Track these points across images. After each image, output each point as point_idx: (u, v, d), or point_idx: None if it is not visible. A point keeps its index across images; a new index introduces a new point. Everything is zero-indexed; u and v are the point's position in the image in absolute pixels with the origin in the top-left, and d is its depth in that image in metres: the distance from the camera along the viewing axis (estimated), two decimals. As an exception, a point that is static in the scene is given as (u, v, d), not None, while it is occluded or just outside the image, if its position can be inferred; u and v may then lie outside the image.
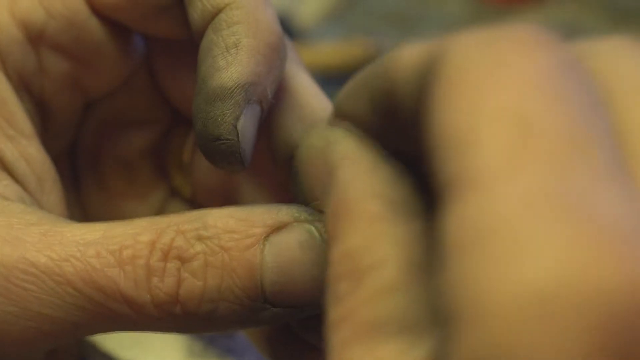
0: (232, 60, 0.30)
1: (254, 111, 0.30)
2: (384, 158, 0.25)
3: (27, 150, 0.32)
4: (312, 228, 0.29)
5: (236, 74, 0.29)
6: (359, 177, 0.24)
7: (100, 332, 0.30)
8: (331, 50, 0.70)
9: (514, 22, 0.21)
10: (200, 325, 0.29)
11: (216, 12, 0.31)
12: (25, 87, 0.33)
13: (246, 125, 0.30)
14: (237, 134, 0.29)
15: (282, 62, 0.31)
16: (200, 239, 0.29)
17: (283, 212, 0.29)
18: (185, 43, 0.34)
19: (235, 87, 0.29)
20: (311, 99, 0.33)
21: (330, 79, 0.64)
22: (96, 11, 0.33)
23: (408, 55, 0.22)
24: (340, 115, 0.27)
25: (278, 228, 0.29)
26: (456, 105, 0.19)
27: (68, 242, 0.29)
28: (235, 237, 0.28)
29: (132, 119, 0.37)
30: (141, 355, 0.41)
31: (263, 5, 0.31)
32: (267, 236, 0.28)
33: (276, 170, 0.33)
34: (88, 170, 0.38)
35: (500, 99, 0.18)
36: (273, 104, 0.32)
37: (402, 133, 0.24)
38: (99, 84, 0.35)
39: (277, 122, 0.32)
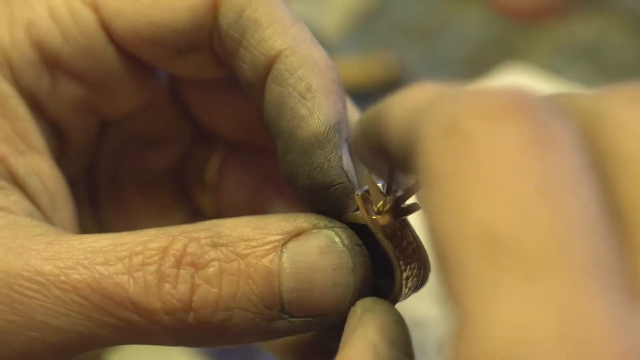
0: (312, 106, 0.29)
1: (346, 149, 0.29)
2: None
3: (40, 166, 0.32)
4: (332, 233, 0.28)
5: (323, 117, 0.29)
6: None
7: (108, 345, 0.29)
8: (353, 64, 0.69)
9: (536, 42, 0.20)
10: (213, 336, 0.28)
11: (269, 60, 0.30)
12: (38, 108, 0.33)
13: (349, 163, 0.29)
14: (347, 174, 0.29)
15: (344, 95, 0.31)
16: (214, 246, 0.28)
17: (301, 219, 0.29)
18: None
19: (328, 130, 0.29)
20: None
21: (352, 93, 0.63)
22: (114, 42, 0.33)
23: (396, 113, 0.22)
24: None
25: (296, 235, 0.28)
26: (436, 216, 0.19)
27: (75, 250, 0.28)
28: (252, 245, 0.28)
29: (151, 139, 0.37)
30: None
31: (313, 44, 0.31)
32: (285, 243, 0.28)
33: None
34: (107, 191, 0.37)
35: (474, 216, 0.18)
36: None
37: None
38: (115, 109, 0.35)
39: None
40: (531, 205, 0.18)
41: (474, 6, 0.80)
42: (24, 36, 0.32)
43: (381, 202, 0.28)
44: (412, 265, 0.29)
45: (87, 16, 0.32)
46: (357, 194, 0.29)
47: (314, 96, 0.29)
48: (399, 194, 0.28)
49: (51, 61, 0.32)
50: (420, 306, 0.39)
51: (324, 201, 0.29)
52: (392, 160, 0.23)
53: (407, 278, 0.29)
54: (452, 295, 0.18)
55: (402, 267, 0.29)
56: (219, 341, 0.29)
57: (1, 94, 0.31)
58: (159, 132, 0.37)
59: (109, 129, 0.36)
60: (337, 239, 0.29)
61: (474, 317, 0.17)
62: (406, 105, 0.22)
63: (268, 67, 0.30)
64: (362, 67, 0.70)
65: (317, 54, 0.30)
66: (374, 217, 0.29)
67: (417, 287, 0.30)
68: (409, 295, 0.30)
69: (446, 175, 0.19)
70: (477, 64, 0.69)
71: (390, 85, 0.66)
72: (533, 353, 0.16)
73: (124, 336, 0.28)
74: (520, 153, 0.18)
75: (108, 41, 0.32)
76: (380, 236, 0.29)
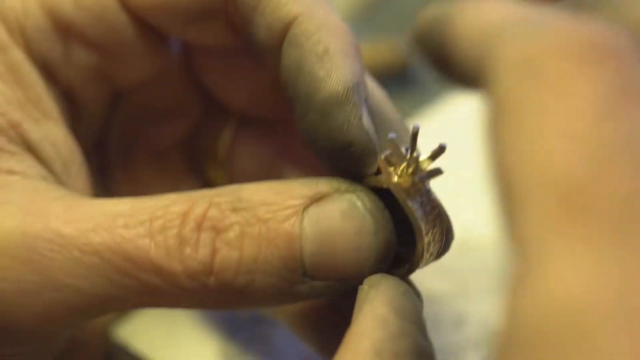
0: (330, 67, 0.29)
1: (365, 109, 0.29)
2: None
3: (53, 134, 0.32)
4: (354, 197, 0.28)
5: (342, 77, 0.29)
6: None
7: (126, 308, 0.29)
8: (361, 52, 0.69)
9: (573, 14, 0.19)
10: (234, 300, 0.28)
11: (284, 26, 0.30)
12: (51, 75, 0.33)
13: (369, 123, 0.29)
14: (368, 133, 0.28)
15: (361, 58, 0.31)
16: (235, 210, 0.28)
17: (322, 183, 0.29)
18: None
19: (347, 90, 0.28)
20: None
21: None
22: (127, 10, 0.32)
23: (467, 27, 0.22)
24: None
25: (318, 199, 0.28)
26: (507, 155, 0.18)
27: (95, 213, 0.28)
28: (273, 209, 0.28)
29: (163, 110, 0.36)
30: (173, 358, 0.39)
31: (329, 9, 0.31)
32: (306, 207, 0.28)
33: None
34: (118, 162, 0.37)
35: (553, 161, 0.17)
36: None
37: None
38: (128, 77, 0.35)
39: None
40: (616, 160, 0.17)
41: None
42: (36, 4, 0.31)
43: (404, 165, 0.28)
44: (435, 231, 0.28)
45: None
46: (380, 157, 0.28)
47: (331, 58, 0.29)
48: (422, 157, 0.28)
49: (63, 29, 0.32)
50: (436, 281, 0.39)
51: (345, 161, 0.29)
52: (454, 72, 0.23)
53: (429, 243, 0.28)
54: (516, 237, 0.17)
55: (425, 232, 0.28)
56: (240, 304, 0.29)
57: (14, 61, 0.31)
58: (170, 104, 0.37)
59: (120, 100, 0.36)
60: (359, 203, 0.28)
61: (537, 267, 0.16)
62: (479, 21, 0.21)
63: (284, 32, 0.30)
64: (369, 54, 0.69)
65: (333, 18, 0.30)
66: (396, 180, 0.28)
67: (440, 253, 0.29)
68: (430, 262, 0.30)
69: (522, 112, 0.18)
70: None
71: (398, 72, 0.66)
72: (590, 321, 0.15)
73: (143, 299, 0.28)
74: (606, 105, 0.17)
75: (121, 8, 0.32)
76: (402, 199, 0.28)
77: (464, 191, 0.44)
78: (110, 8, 0.32)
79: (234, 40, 0.33)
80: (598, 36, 0.19)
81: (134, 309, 0.29)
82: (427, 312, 0.31)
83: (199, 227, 0.28)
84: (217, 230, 0.28)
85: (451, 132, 0.49)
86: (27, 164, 0.30)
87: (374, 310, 0.26)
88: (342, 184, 0.29)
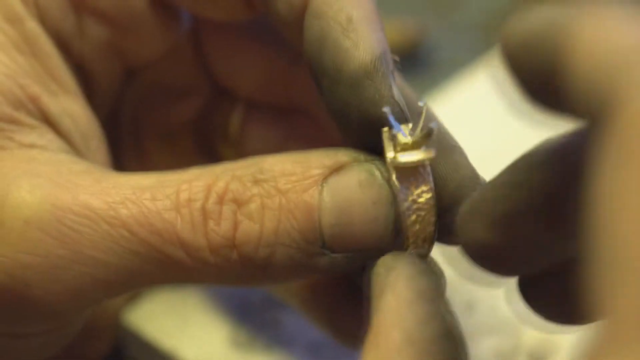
0: (356, 37, 0.28)
1: (394, 78, 0.29)
2: None
3: (72, 107, 0.31)
4: (372, 167, 0.28)
5: (369, 47, 0.28)
6: None
7: (152, 283, 0.29)
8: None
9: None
10: (257, 274, 0.28)
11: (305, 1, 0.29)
12: (64, 48, 0.32)
13: (399, 93, 0.28)
14: (399, 103, 0.28)
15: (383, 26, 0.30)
16: (256, 182, 0.28)
17: (341, 153, 0.28)
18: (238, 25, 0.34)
19: (376, 60, 0.28)
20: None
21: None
22: None
23: (588, 51, 0.18)
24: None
25: (337, 169, 0.28)
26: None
27: (122, 186, 0.28)
28: (293, 180, 0.28)
29: (174, 90, 0.36)
30: (183, 345, 0.39)
31: None
32: (325, 178, 0.28)
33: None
34: (129, 141, 0.37)
35: None
36: None
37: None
38: (140, 53, 0.34)
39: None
40: None
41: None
42: None
43: (404, 141, 0.28)
44: (423, 214, 0.28)
45: None
46: (385, 129, 0.28)
47: (356, 27, 0.28)
48: (425, 134, 0.27)
49: (77, 1, 0.32)
50: (446, 268, 0.38)
51: (377, 134, 0.28)
52: (566, 102, 0.20)
53: (415, 223, 0.28)
54: (600, 304, 0.16)
55: (409, 213, 0.28)
56: (263, 279, 0.28)
57: (31, 33, 0.31)
58: (181, 83, 0.36)
59: (132, 78, 0.36)
60: (377, 172, 0.28)
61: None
62: (605, 45, 0.18)
63: (305, 2, 0.29)
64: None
65: None
66: (391, 155, 0.28)
67: (432, 239, 0.29)
68: (422, 245, 0.29)
69: None
70: (497, 31, 0.69)
71: (407, 52, 0.65)
72: None
73: (168, 274, 0.28)
74: None
75: None
76: (391, 173, 0.28)
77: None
78: None
79: (249, 15, 0.33)
80: None
81: (159, 284, 0.29)
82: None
83: (221, 200, 0.28)
84: (239, 203, 0.28)
85: (462, 114, 0.49)
86: (47, 137, 0.30)
87: (398, 296, 0.25)
88: (361, 154, 0.28)
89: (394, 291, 0.25)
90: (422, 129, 0.27)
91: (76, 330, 0.32)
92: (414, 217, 0.28)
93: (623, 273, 0.15)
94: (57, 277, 0.27)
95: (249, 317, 0.40)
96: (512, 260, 0.26)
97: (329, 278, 0.33)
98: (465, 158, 0.29)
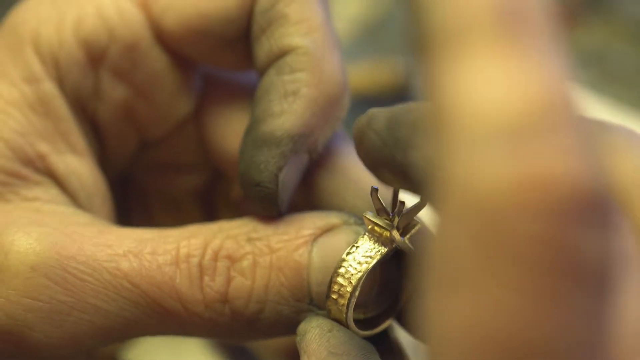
0: (287, 109, 0.30)
1: (300, 161, 0.30)
2: None
3: (79, 167, 0.32)
4: (361, 229, 0.29)
5: (288, 123, 0.29)
6: None
7: (147, 334, 0.30)
8: (360, 71, 0.70)
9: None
10: (246, 329, 0.29)
11: (281, 55, 0.31)
12: (81, 108, 0.33)
13: (288, 175, 0.30)
14: (277, 183, 0.29)
15: (341, 112, 0.31)
16: (250, 240, 0.29)
17: (333, 216, 0.29)
18: (237, 107, 0.34)
19: (284, 137, 0.29)
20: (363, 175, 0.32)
21: (360, 102, 0.64)
22: (161, 40, 0.33)
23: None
24: None
25: (327, 230, 0.29)
26: None
27: (125, 239, 0.29)
28: (285, 239, 0.29)
29: (180, 166, 0.37)
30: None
31: (330, 53, 0.31)
32: (316, 238, 0.29)
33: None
34: (137, 204, 0.38)
35: None
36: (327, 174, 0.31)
37: None
38: (153, 119, 0.34)
39: (329, 191, 0.32)
40: None
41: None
42: (71, 35, 0.32)
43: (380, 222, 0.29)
44: (352, 273, 0.28)
45: (134, 13, 0.32)
46: (375, 188, 0.29)
47: (295, 100, 0.30)
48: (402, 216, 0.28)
49: (96, 59, 0.32)
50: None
51: (251, 194, 0.30)
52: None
53: (340, 276, 0.28)
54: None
55: (340, 265, 0.29)
56: (252, 333, 0.30)
57: (46, 94, 0.32)
58: (185, 161, 0.37)
59: (142, 152, 0.36)
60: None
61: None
62: None
63: (277, 58, 0.31)
64: (369, 74, 0.70)
65: (329, 65, 0.31)
66: (369, 215, 0.29)
67: (349, 301, 0.29)
68: (339, 305, 0.29)
69: None
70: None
71: (398, 92, 0.67)
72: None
73: (164, 325, 0.29)
74: None
75: (154, 40, 0.33)
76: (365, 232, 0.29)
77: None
78: (143, 38, 0.32)
79: (249, 67, 0.34)
80: None
81: (153, 334, 0.30)
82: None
83: (216, 256, 0.29)
84: (232, 260, 0.29)
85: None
86: (52, 192, 0.31)
87: (310, 356, 0.27)
88: (351, 217, 0.30)
89: (307, 353, 0.27)
90: (399, 210, 0.28)
91: None
92: (343, 270, 0.28)
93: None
94: (58, 322, 0.28)
95: (242, 355, 0.41)
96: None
97: None
98: None
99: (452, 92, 0.17)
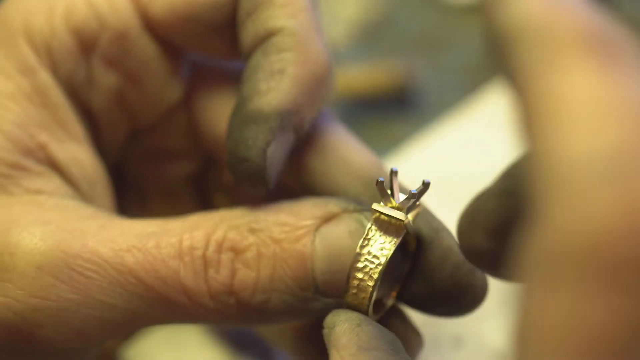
0: (274, 86, 0.30)
1: (287, 138, 0.30)
2: None
3: (79, 154, 0.33)
4: (362, 217, 0.30)
5: (275, 100, 0.30)
6: None
7: (153, 324, 0.31)
8: (360, 74, 0.70)
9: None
10: (252, 317, 0.30)
11: (267, 36, 0.31)
12: (75, 96, 0.33)
13: (276, 151, 0.30)
14: (265, 158, 0.29)
15: (327, 93, 0.31)
16: (252, 231, 0.29)
17: (332, 204, 0.30)
18: (226, 92, 0.34)
19: (272, 113, 0.29)
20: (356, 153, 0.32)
21: (359, 103, 0.63)
22: (150, 28, 0.33)
23: None
24: None
25: (328, 219, 0.29)
26: None
27: (127, 233, 0.29)
28: (286, 230, 0.29)
29: (173, 151, 0.37)
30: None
31: (315, 34, 0.31)
32: (317, 227, 0.29)
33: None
34: (131, 192, 0.38)
35: None
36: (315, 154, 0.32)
37: None
38: (144, 106, 0.35)
39: (320, 170, 0.32)
40: None
41: (480, 17, 0.81)
42: (62, 24, 0.32)
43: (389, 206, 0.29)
44: (371, 266, 0.29)
45: (123, 1, 0.33)
46: (381, 180, 0.29)
47: (281, 79, 0.30)
48: (409, 199, 0.29)
49: (87, 48, 0.33)
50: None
51: (239, 171, 0.30)
52: None
53: (359, 271, 0.29)
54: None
55: (358, 259, 0.29)
56: (258, 321, 0.30)
57: (42, 84, 0.32)
58: (177, 148, 0.37)
59: (134, 140, 0.37)
60: (366, 222, 0.29)
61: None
62: None
63: (264, 40, 0.31)
64: (368, 76, 0.70)
65: (313, 45, 0.31)
66: (376, 206, 0.29)
67: (370, 294, 0.29)
68: (360, 298, 0.29)
69: None
70: (483, 72, 0.70)
71: (397, 94, 0.67)
72: None
73: (171, 316, 0.29)
74: None
75: (143, 28, 0.33)
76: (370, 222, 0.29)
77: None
78: (132, 27, 0.33)
79: (234, 56, 0.34)
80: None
81: (160, 325, 0.31)
82: (426, 333, 0.32)
83: (219, 248, 0.29)
84: (236, 251, 0.29)
85: (450, 156, 0.50)
86: (54, 183, 0.32)
87: (341, 351, 0.27)
88: (350, 204, 0.30)
89: (337, 347, 0.27)
90: (407, 197, 0.29)
91: None
92: (361, 265, 0.28)
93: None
94: (66, 319, 0.29)
95: (243, 354, 0.40)
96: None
97: (320, 321, 0.34)
98: (454, 240, 0.30)
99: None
